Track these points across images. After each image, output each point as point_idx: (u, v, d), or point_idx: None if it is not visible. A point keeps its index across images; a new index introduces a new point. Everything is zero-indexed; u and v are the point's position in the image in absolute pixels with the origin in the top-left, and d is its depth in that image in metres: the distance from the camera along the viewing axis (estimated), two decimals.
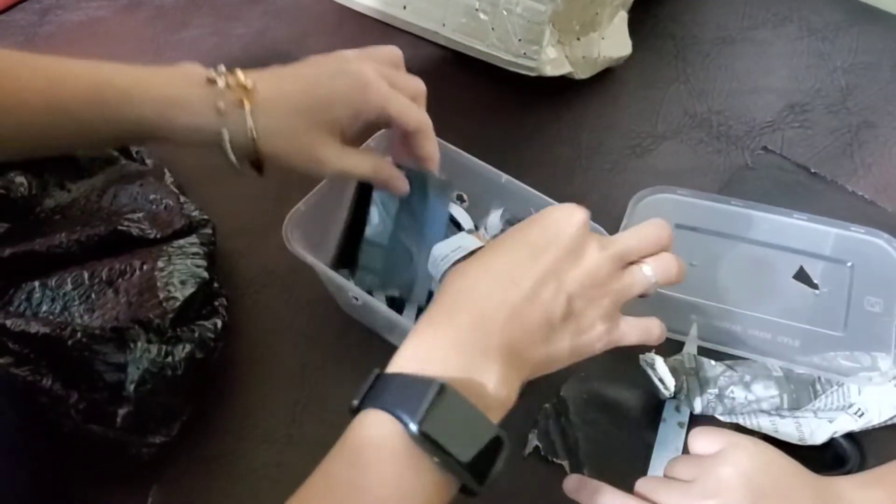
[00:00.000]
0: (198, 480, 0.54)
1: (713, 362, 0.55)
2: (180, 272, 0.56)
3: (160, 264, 0.56)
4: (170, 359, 0.52)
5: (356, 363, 0.59)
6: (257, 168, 0.51)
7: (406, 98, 0.53)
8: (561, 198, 0.59)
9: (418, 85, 0.55)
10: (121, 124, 0.49)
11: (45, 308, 0.56)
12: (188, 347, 0.53)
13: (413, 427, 0.36)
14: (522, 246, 0.44)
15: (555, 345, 0.43)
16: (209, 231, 0.61)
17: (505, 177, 0.57)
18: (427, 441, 0.36)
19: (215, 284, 0.58)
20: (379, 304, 0.52)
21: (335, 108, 0.52)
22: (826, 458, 0.54)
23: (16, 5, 0.84)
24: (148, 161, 0.66)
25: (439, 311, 0.43)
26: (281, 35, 0.82)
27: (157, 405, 0.52)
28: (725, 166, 0.68)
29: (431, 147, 0.56)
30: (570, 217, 0.45)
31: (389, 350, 0.60)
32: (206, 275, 0.57)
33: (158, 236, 0.59)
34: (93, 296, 0.56)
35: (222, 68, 0.50)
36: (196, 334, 0.54)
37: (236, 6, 0.84)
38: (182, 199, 0.63)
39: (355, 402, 0.40)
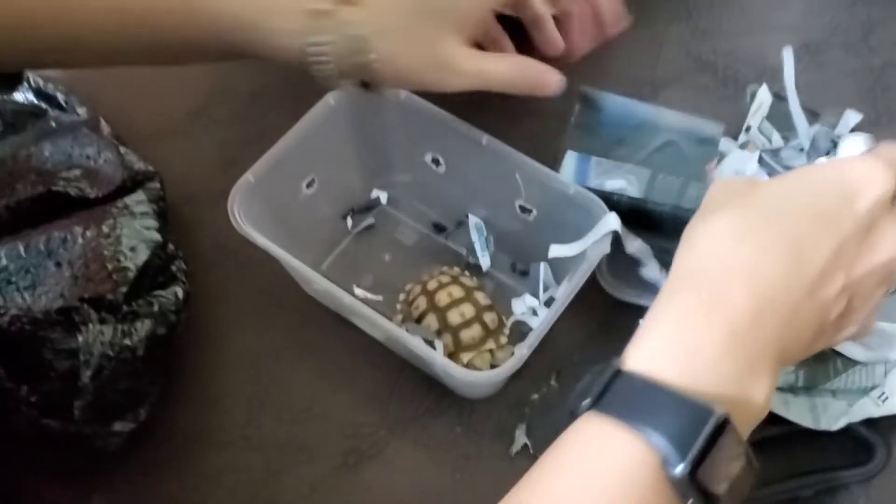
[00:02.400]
0: (145, 489, 0.53)
1: None
2: (129, 237, 0.53)
3: (105, 229, 0.53)
4: (128, 340, 0.49)
5: (318, 350, 0.57)
6: (364, 84, 0.48)
7: None
8: (552, 153, 0.53)
9: None
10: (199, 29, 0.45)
11: None
12: (147, 324, 0.50)
13: (681, 469, 0.29)
14: (812, 210, 0.36)
15: (813, 347, 0.37)
16: (157, 185, 0.58)
17: (486, 137, 0.55)
18: (693, 490, 0.30)
19: (170, 247, 0.56)
20: (342, 294, 0.50)
21: (459, 16, 0.47)
22: (846, 448, 0.53)
23: None
24: (80, 111, 0.63)
25: (704, 281, 0.34)
26: None
27: (119, 392, 0.50)
28: (733, 115, 0.63)
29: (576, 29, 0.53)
30: (872, 181, 0.36)
31: (353, 334, 0.55)
32: (158, 237, 0.54)
33: (99, 195, 0.56)
34: (32, 270, 0.52)
35: None
36: (155, 307, 0.52)
37: None
38: (122, 150, 0.60)
39: (585, 402, 0.33)
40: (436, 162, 0.58)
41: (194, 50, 0.49)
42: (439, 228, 0.61)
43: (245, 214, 0.51)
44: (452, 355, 0.53)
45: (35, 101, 0.64)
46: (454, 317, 0.53)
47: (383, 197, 0.62)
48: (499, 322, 0.55)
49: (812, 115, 0.62)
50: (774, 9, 0.73)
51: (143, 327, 0.49)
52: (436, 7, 0.46)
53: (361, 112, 0.57)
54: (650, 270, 0.53)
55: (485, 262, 0.59)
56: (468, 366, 0.53)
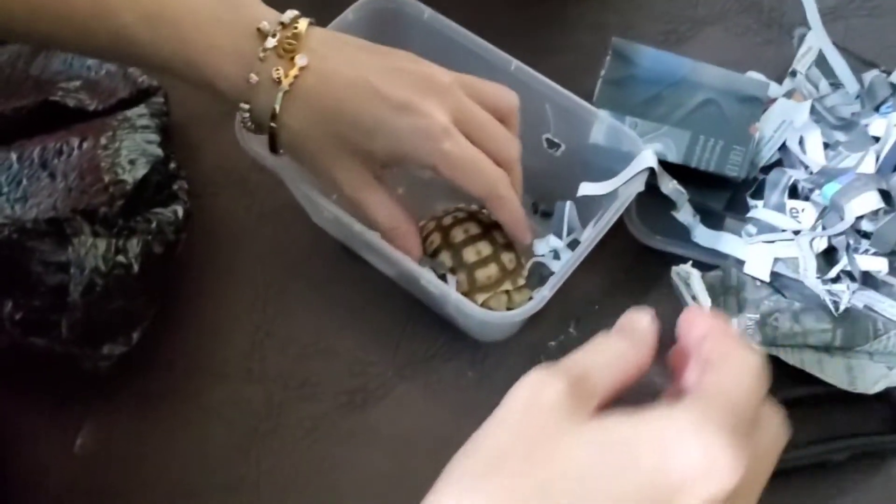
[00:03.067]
0: (137, 420, 0.51)
1: (759, 283, 0.51)
2: (129, 149, 0.51)
3: (103, 141, 0.51)
4: (122, 256, 0.47)
5: (327, 284, 0.55)
6: (272, 149, 0.46)
7: (479, 157, 0.46)
8: (581, 92, 0.49)
9: (508, 147, 0.47)
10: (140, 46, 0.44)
11: None
12: (144, 240, 0.48)
13: None
14: None
15: None
16: (161, 100, 0.56)
17: (515, 63, 0.51)
18: None
19: (172, 164, 0.53)
20: (352, 221, 0.47)
21: (377, 142, 0.45)
22: (883, 414, 0.50)
23: None
24: None
25: None
26: None
27: (111, 311, 0.47)
28: (776, 61, 0.61)
29: (507, 215, 0.49)
30: (708, 478, 0.27)
31: (363, 269, 0.52)
32: (159, 152, 0.52)
33: (100, 108, 0.54)
34: (24, 181, 0.50)
35: (287, 17, 0.44)
36: (153, 224, 0.49)
37: None
38: None
39: None
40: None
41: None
42: None
43: (253, 135, 0.47)
44: (466, 295, 0.50)
45: None
46: (469, 254, 0.51)
47: None
48: (517, 263, 0.52)
49: (868, 65, 0.58)
50: None
51: (139, 244, 0.46)
52: (351, 137, 0.45)
53: (381, 29, 0.52)
54: (684, 214, 0.50)
55: None
56: (483, 304, 0.50)
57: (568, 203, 0.52)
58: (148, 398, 0.50)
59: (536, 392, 0.29)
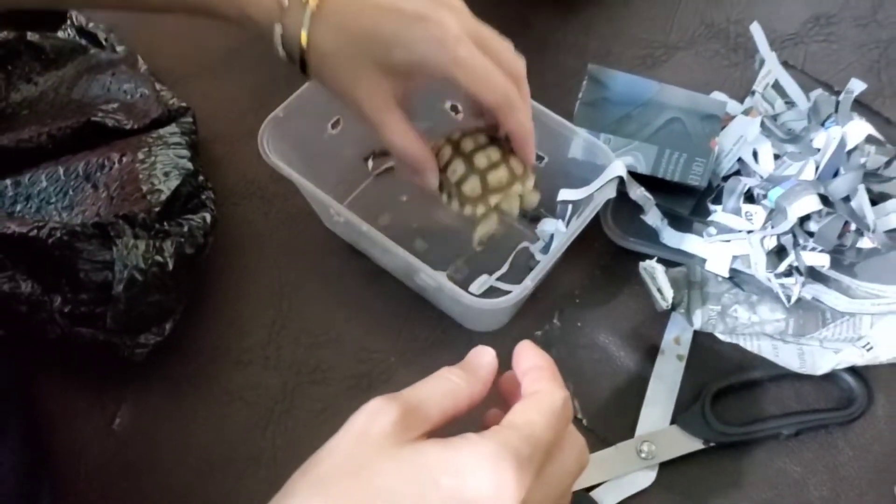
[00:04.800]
0: (168, 401, 0.56)
1: (720, 278, 0.56)
2: (163, 163, 0.56)
3: (140, 156, 0.56)
4: (158, 255, 0.52)
5: (336, 281, 0.60)
6: (303, 70, 0.48)
7: (491, 66, 0.47)
8: (563, 111, 0.55)
9: (516, 64, 0.49)
10: None
11: (19, 207, 0.56)
12: (177, 242, 0.53)
13: None
14: None
15: None
16: (190, 119, 0.61)
17: None
18: None
19: (200, 176, 0.58)
20: (360, 222, 0.52)
21: (395, 53, 0.46)
22: (831, 394, 0.56)
23: None
24: (119, 49, 0.66)
25: None
26: None
27: (148, 304, 0.52)
28: (741, 81, 0.66)
29: (517, 125, 0.49)
30: (497, 499, 0.32)
31: (370, 269, 0.57)
32: (190, 165, 0.57)
33: (135, 127, 0.59)
34: (70, 192, 0.56)
35: None
36: (185, 228, 0.54)
37: None
38: (158, 86, 0.63)
39: None
40: (454, 109, 0.60)
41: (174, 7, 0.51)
42: None
43: (273, 147, 0.53)
44: (480, 199, 0.51)
45: (77, 39, 0.66)
46: (480, 160, 0.51)
47: None
48: (524, 168, 0.53)
49: (824, 86, 0.64)
50: None
51: (172, 245, 0.52)
52: (372, 51, 0.46)
53: None
54: (651, 217, 0.55)
55: None
56: (496, 209, 0.52)
57: (563, 190, 0.56)
58: (178, 382, 0.55)
59: (371, 420, 0.33)
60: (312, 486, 0.33)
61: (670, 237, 0.56)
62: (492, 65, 0.46)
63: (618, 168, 0.52)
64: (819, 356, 0.53)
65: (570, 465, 0.35)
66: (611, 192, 0.52)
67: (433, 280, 0.50)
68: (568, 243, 0.51)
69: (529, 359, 0.38)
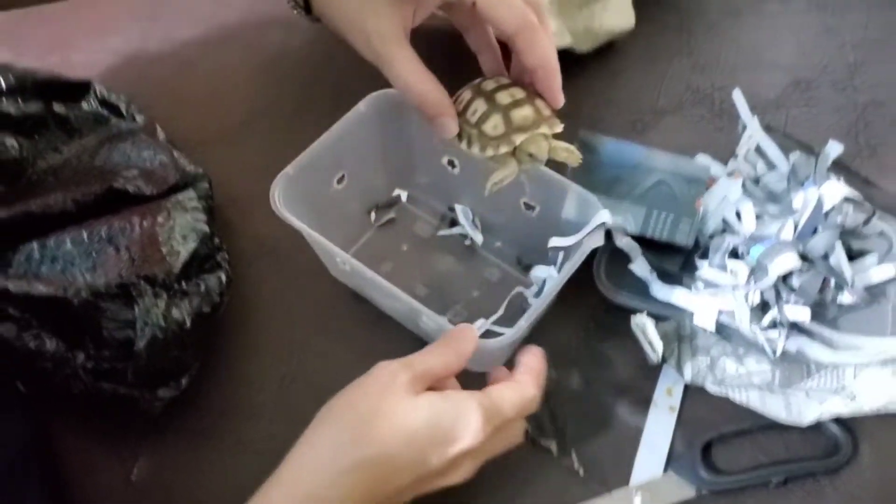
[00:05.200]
0: (184, 454, 0.58)
1: (708, 331, 0.58)
2: (182, 227, 0.59)
3: (160, 220, 0.59)
4: (177, 313, 0.55)
5: (344, 335, 0.62)
6: (307, 9, 0.47)
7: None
8: (552, 163, 0.58)
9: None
10: None
11: (45, 269, 0.58)
12: (195, 301, 0.56)
13: None
14: (412, 445, 0.45)
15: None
16: (206, 185, 0.64)
17: None
18: None
19: (216, 239, 0.61)
20: (365, 270, 0.55)
21: None
22: (818, 443, 0.57)
23: None
24: (139, 118, 0.70)
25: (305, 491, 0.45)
26: (277, 1, 0.80)
27: (167, 359, 0.55)
28: (725, 144, 0.69)
29: (541, 54, 0.47)
30: (470, 437, 0.46)
31: (374, 316, 0.60)
32: (206, 228, 0.60)
33: (155, 192, 0.61)
34: (94, 254, 0.58)
35: None
36: (202, 288, 0.57)
37: None
38: (176, 153, 0.66)
39: None
40: (451, 164, 0.64)
41: None
42: (453, 222, 0.67)
43: (284, 202, 0.56)
44: (503, 137, 0.48)
45: (99, 110, 0.70)
46: (503, 97, 0.49)
47: (404, 195, 0.68)
48: (551, 112, 0.51)
49: (805, 148, 0.67)
50: (768, 48, 0.78)
51: (190, 304, 0.55)
52: None
53: (386, 116, 0.62)
54: (639, 266, 0.58)
55: (478, 238, 0.65)
56: (521, 149, 0.49)
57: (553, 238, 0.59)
58: (193, 435, 0.57)
59: (393, 376, 0.46)
60: (352, 420, 0.45)
61: (659, 290, 0.59)
62: None
63: (604, 216, 0.55)
64: (805, 406, 0.56)
65: (509, 438, 0.50)
66: (599, 240, 0.55)
67: (434, 323, 0.53)
68: (559, 287, 0.54)
69: (531, 358, 0.50)
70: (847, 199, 0.59)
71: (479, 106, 0.49)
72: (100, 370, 0.54)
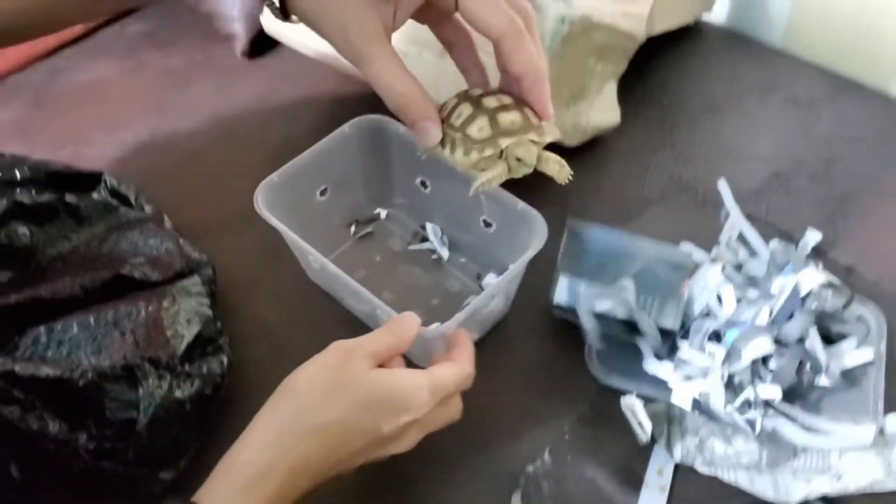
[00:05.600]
0: None
1: (697, 412, 0.60)
2: (186, 311, 0.61)
3: (165, 304, 0.61)
4: (179, 394, 0.56)
5: None
6: (283, 9, 0.45)
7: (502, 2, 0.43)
8: (546, 260, 0.61)
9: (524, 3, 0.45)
10: None
11: (51, 353, 0.60)
12: (197, 383, 0.58)
13: None
14: (366, 413, 0.50)
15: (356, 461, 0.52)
16: (209, 271, 0.66)
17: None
18: None
19: (218, 322, 0.63)
20: (330, 265, 0.60)
21: None
22: None
23: (28, 65, 0.87)
24: (147, 207, 0.72)
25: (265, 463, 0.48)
26: (282, 97, 0.85)
27: (168, 439, 0.56)
28: (708, 232, 0.71)
29: (527, 60, 0.45)
30: (418, 408, 0.51)
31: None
32: (209, 312, 0.62)
33: (161, 278, 0.64)
34: (100, 338, 0.60)
35: None
36: (204, 370, 0.59)
37: (238, 69, 0.90)
38: (182, 241, 0.69)
39: None
40: (423, 184, 0.69)
41: None
42: (423, 238, 0.73)
43: (266, 206, 0.61)
44: (489, 141, 0.47)
45: (109, 199, 0.73)
46: (490, 101, 0.48)
47: (383, 214, 0.75)
48: (540, 123, 0.49)
49: (785, 235, 0.71)
50: (748, 142, 0.82)
51: (192, 386, 0.57)
52: None
53: (368, 139, 0.69)
54: (645, 325, 0.61)
55: (444, 253, 0.71)
56: (507, 154, 0.48)
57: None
58: None
59: (348, 352, 0.50)
60: (312, 391, 0.49)
61: (650, 363, 0.61)
62: None
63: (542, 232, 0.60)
64: (792, 486, 0.57)
65: (450, 412, 0.54)
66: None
67: (388, 316, 0.57)
68: (498, 291, 0.59)
69: (461, 337, 0.56)
70: (827, 284, 0.62)
71: (465, 110, 0.47)
72: (101, 450, 0.55)
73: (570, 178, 0.51)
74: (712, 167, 0.80)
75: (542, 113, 0.48)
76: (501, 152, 0.48)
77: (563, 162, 0.50)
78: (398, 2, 0.44)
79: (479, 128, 0.47)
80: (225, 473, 0.48)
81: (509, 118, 0.47)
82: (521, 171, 0.50)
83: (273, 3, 0.46)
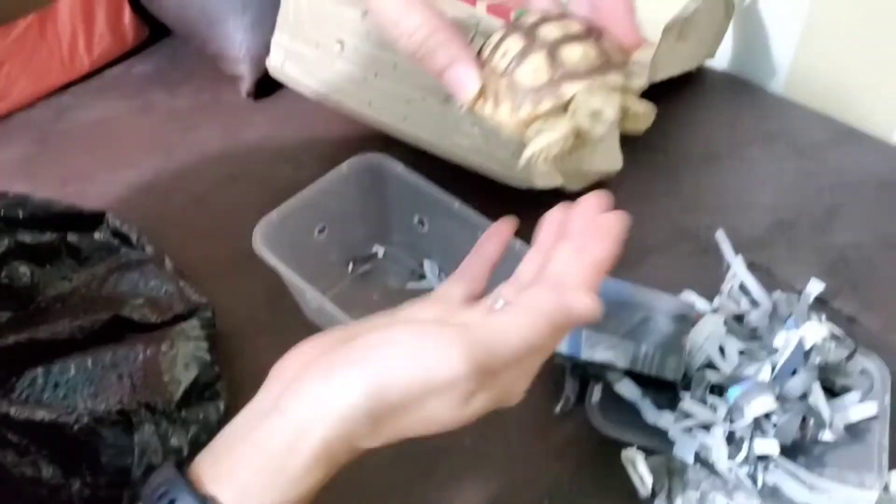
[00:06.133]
0: None
1: (698, 466, 0.59)
2: (184, 355, 0.61)
3: (163, 348, 0.61)
4: (175, 441, 0.56)
5: None
6: None
7: None
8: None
9: None
10: None
11: (47, 395, 0.60)
12: (193, 429, 0.57)
13: None
14: None
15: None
16: (209, 314, 0.66)
17: (457, 203, 0.67)
18: None
19: (216, 367, 0.63)
20: (339, 311, 0.60)
21: None
22: None
23: (35, 103, 0.88)
24: (148, 249, 0.73)
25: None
26: (286, 138, 0.86)
27: None
28: (712, 281, 0.70)
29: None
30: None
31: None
32: (207, 357, 0.62)
33: (160, 321, 0.64)
34: (97, 381, 0.60)
35: None
36: (200, 416, 0.58)
37: (244, 111, 0.90)
38: (182, 283, 0.69)
39: None
40: (421, 223, 0.70)
41: None
42: (421, 276, 0.74)
43: (265, 244, 0.62)
44: (546, 88, 0.34)
45: (111, 240, 0.73)
46: (549, 30, 0.35)
47: (381, 252, 0.75)
48: (625, 59, 0.37)
49: (787, 285, 0.71)
50: (751, 190, 0.83)
51: (188, 432, 0.56)
52: None
53: (367, 177, 0.70)
54: (625, 387, 0.60)
55: None
56: (576, 107, 0.35)
57: None
58: None
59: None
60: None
61: (650, 413, 0.60)
62: None
63: None
64: None
65: (502, 395, 0.38)
66: None
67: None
68: None
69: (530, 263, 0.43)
70: (830, 337, 0.62)
71: (513, 45, 0.34)
72: (95, 498, 0.55)
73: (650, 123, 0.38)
74: (715, 215, 0.80)
75: (627, 37, 0.34)
76: (567, 104, 0.35)
77: (651, 105, 0.37)
78: None
79: (532, 69, 0.34)
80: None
81: (577, 52, 0.34)
82: (597, 130, 0.36)
83: None
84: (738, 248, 0.76)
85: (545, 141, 0.35)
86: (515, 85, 0.34)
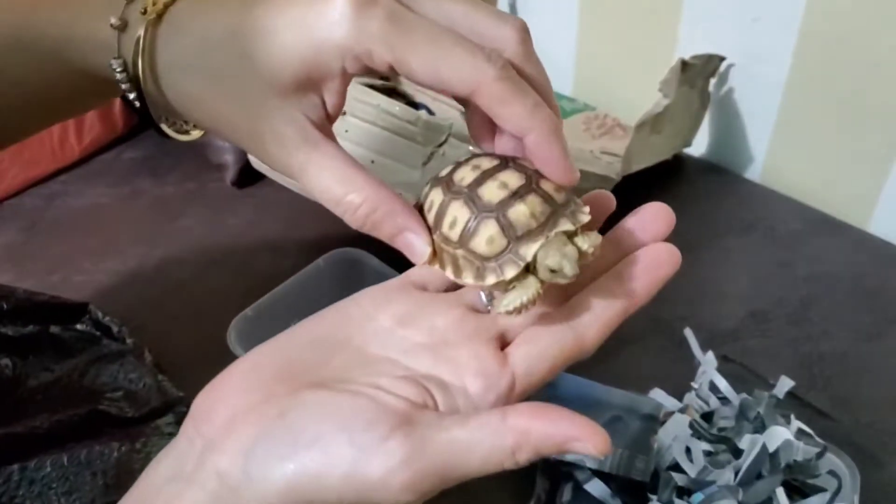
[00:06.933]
0: None
1: None
2: (156, 453, 0.59)
3: (138, 445, 0.62)
4: None
5: None
6: (143, 113, 0.36)
7: (457, 35, 0.31)
8: None
9: (501, 29, 0.33)
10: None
11: (22, 491, 0.61)
12: None
13: None
14: None
15: None
16: (184, 409, 0.67)
17: None
18: None
19: None
20: None
21: (274, 60, 0.31)
22: None
23: (25, 190, 0.91)
24: (129, 341, 0.74)
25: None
26: (268, 227, 0.88)
27: None
28: (685, 373, 0.72)
29: (521, 114, 0.32)
30: None
31: None
32: None
33: (136, 415, 0.65)
34: (71, 478, 0.61)
35: None
36: None
37: (228, 199, 0.93)
38: (160, 377, 0.71)
39: None
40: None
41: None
42: None
43: (240, 343, 0.63)
44: (505, 255, 0.34)
45: (93, 331, 0.75)
46: (490, 191, 0.34)
47: None
48: (567, 195, 0.36)
49: (760, 379, 0.72)
50: (727, 281, 0.85)
51: None
52: (245, 55, 0.32)
53: (343, 271, 0.72)
54: (593, 486, 0.62)
55: None
56: (539, 262, 0.35)
57: None
58: None
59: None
60: None
61: None
62: (449, 31, 0.31)
63: None
64: None
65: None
66: None
67: None
68: None
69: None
70: (799, 434, 0.63)
71: (458, 212, 0.34)
72: None
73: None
74: (690, 306, 0.82)
75: (562, 178, 0.34)
76: (528, 266, 0.35)
77: (600, 239, 0.38)
78: (321, 84, 0.33)
79: (486, 240, 0.34)
80: None
81: (524, 212, 0.34)
82: (559, 282, 0.36)
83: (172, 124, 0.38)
84: (711, 341, 0.77)
85: (518, 301, 0.35)
86: (473, 254, 0.35)
